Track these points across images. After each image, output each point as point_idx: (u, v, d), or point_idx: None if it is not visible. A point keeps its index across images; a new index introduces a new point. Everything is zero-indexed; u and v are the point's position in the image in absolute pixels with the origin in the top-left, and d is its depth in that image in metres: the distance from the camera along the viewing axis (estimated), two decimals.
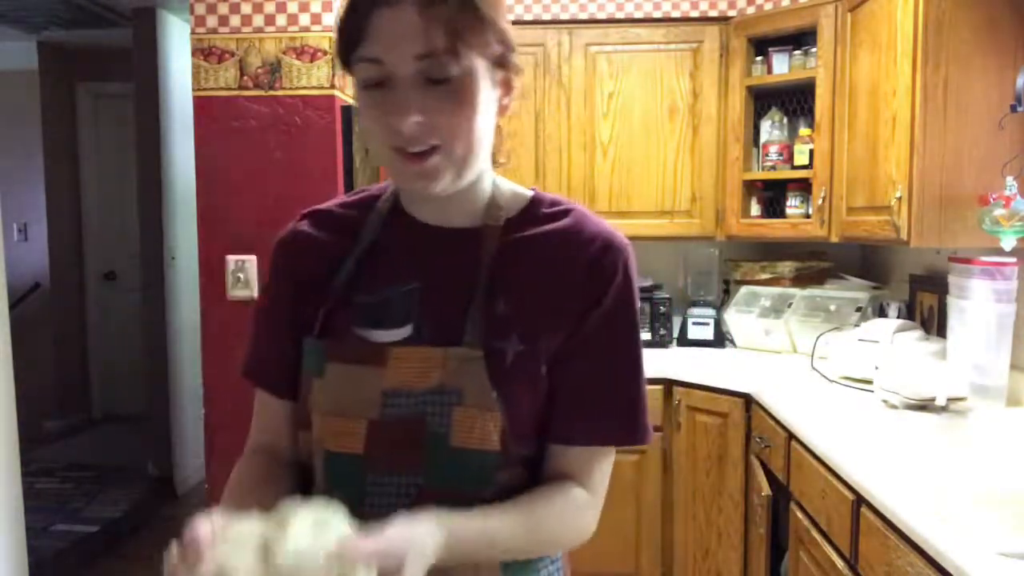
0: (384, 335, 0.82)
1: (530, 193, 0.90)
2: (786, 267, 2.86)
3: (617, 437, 0.86)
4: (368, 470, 0.81)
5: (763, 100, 2.86)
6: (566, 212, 0.87)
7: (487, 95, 0.78)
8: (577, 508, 0.84)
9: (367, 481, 0.81)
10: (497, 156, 0.90)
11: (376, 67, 0.75)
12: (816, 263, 2.89)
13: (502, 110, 0.83)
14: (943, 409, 1.92)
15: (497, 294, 0.82)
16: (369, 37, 0.74)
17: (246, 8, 2.36)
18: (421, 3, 0.72)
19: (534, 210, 0.88)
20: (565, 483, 0.85)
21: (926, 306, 2.47)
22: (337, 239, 0.89)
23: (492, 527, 0.78)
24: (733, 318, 2.92)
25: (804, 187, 2.67)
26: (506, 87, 0.82)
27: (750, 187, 2.85)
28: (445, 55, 0.73)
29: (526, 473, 0.85)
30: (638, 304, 0.87)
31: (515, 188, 0.90)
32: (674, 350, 2.94)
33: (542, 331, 0.82)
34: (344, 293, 0.85)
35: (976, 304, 1.95)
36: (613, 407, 0.85)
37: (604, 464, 0.87)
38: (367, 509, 0.80)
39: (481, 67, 0.76)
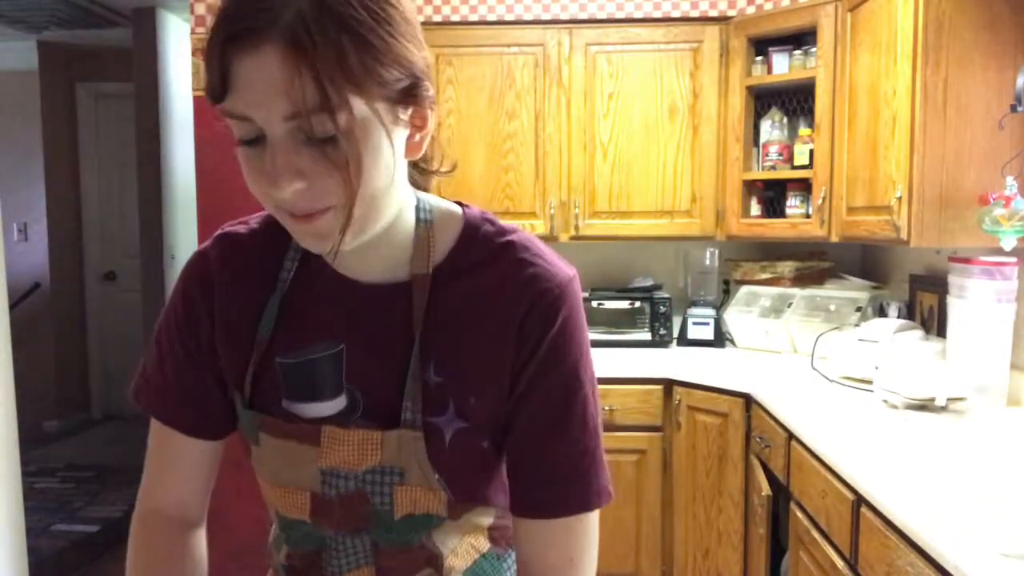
0: (317, 409, 0.75)
1: (459, 215, 0.79)
2: (786, 267, 2.86)
3: (568, 506, 0.76)
4: (320, 532, 0.79)
5: (763, 100, 2.86)
6: (500, 249, 0.77)
7: (384, 143, 0.65)
8: None
9: (322, 541, 0.80)
10: (430, 168, 0.81)
11: (247, 124, 0.62)
12: (816, 263, 2.89)
13: (413, 149, 0.70)
14: (943, 409, 1.92)
15: (429, 361, 0.74)
16: (233, 89, 0.61)
17: None
18: (285, 49, 0.58)
19: (466, 248, 0.77)
20: None
21: (926, 306, 2.47)
22: (254, 282, 0.79)
23: None
24: (733, 318, 2.92)
25: (804, 187, 2.67)
26: (417, 123, 0.69)
27: (750, 187, 2.85)
28: (319, 113, 0.60)
29: (481, 506, 0.83)
30: (584, 346, 0.77)
31: (446, 210, 0.79)
32: (674, 350, 2.94)
33: (477, 402, 0.75)
34: (267, 350, 0.77)
35: (976, 304, 1.95)
36: (560, 474, 0.76)
37: (574, 530, 0.77)
38: (328, 565, 0.80)
39: (373, 113, 0.63)
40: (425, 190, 0.82)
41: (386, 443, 0.73)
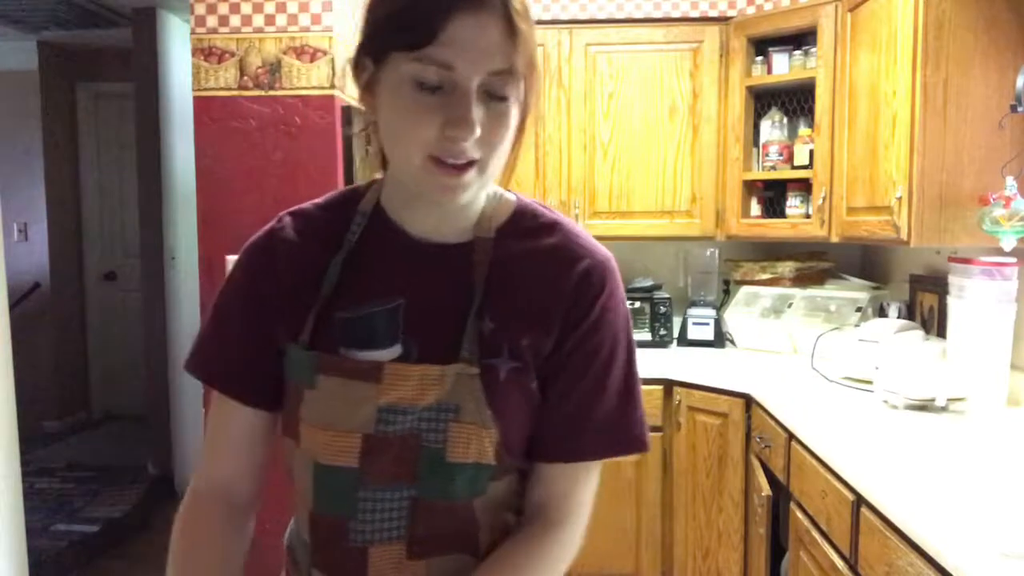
0: (372, 355, 0.80)
1: (512, 198, 0.88)
2: (786, 267, 2.86)
3: (600, 450, 0.84)
4: (361, 484, 0.79)
5: (763, 100, 2.86)
6: (551, 227, 0.86)
7: (516, 116, 0.78)
8: (556, 552, 0.84)
9: (359, 495, 0.80)
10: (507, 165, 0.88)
11: (442, 72, 0.72)
12: (816, 263, 2.89)
13: (517, 130, 0.81)
14: (943, 409, 1.92)
15: (484, 312, 0.81)
16: (443, 40, 0.71)
17: (246, 8, 2.36)
18: (506, 19, 0.73)
19: (520, 222, 0.86)
20: (543, 526, 0.84)
21: (926, 306, 2.47)
22: (319, 245, 0.85)
23: None
24: (733, 318, 2.92)
25: (804, 187, 2.67)
26: (525, 109, 0.80)
27: (750, 187, 2.85)
28: (513, 75, 0.74)
29: (517, 478, 0.85)
30: (625, 312, 0.86)
31: (497, 191, 0.88)
32: (674, 350, 2.94)
33: (528, 348, 0.81)
34: (327, 305, 0.82)
35: (976, 304, 1.95)
36: (597, 420, 0.83)
37: (585, 482, 0.86)
38: (359, 522, 0.80)
39: (523, 87, 0.77)
40: None
41: (446, 378, 0.78)
